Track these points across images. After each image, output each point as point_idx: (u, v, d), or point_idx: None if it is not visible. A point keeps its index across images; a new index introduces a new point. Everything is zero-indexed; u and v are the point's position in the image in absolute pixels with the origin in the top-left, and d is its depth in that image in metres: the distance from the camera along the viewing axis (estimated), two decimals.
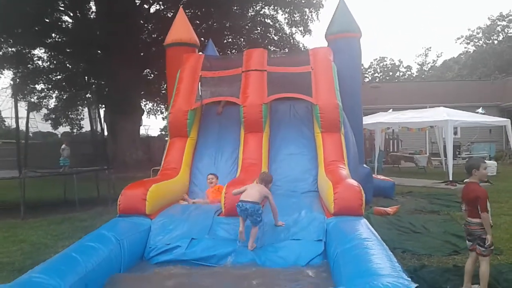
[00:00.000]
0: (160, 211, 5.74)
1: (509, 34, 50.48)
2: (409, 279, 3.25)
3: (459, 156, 20.50)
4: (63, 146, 11.74)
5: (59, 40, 21.63)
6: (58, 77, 23.25)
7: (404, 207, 9.51)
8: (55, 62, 22.73)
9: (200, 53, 10.81)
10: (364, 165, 9.94)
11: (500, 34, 51.84)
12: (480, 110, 20.09)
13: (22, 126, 11.20)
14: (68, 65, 22.79)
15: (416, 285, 3.00)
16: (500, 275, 4.98)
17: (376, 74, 64.53)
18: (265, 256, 4.77)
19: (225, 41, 23.16)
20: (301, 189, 7.21)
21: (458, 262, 5.60)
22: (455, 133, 18.21)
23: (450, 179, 13.68)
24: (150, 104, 29.78)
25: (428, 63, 65.87)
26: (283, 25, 23.77)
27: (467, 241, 4.79)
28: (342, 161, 7.16)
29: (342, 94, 8.04)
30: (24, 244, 6.73)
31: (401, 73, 66.32)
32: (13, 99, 19.60)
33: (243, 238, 4.91)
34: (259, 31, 23.68)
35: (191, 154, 7.75)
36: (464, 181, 4.85)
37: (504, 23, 51.13)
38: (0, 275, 5.21)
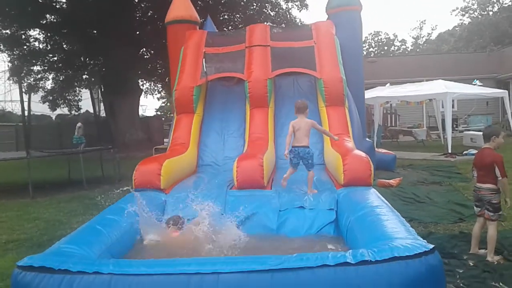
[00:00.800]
0: (173, 186, 5.86)
1: (504, 5, 50.25)
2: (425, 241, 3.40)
3: (456, 129, 20.71)
4: (79, 124, 11.85)
5: (54, 20, 21.40)
6: (55, 58, 23.08)
7: (406, 179, 9.69)
8: (51, 43, 22.55)
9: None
10: (367, 139, 10.07)
11: (496, 5, 51.56)
12: (477, 82, 20.17)
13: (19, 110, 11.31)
14: (64, 46, 22.59)
15: (433, 245, 3.14)
16: (506, 240, 5.17)
17: (371, 49, 64.31)
18: (279, 222, 4.93)
19: (221, 17, 22.97)
20: None
21: (463, 229, 5.78)
22: (452, 106, 18.34)
23: (449, 151, 13.88)
24: (147, 84, 29.68)
25: (423, 37, 65.74)
26: (279, 0, 23.59)
27: (475, 207, 4.94)
28: (347, 134, 7.28)
29: (345, 68, 8.10)
30: (38, 221, 6.87)
31: (396, 47, 66.16)
32: (11, 82, 19.55)
33: (284, 184, 5.63)
34: (254, 7, 23.43)
35: (198, 130, 7.83)
36: (483, 146, 4.91)
37: None
38: (19, 250, 5.35)
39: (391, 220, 3.95)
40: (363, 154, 5.76)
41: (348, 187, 5.33)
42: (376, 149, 11.38)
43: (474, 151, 13.19)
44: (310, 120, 5.86)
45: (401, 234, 3.53)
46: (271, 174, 6.37)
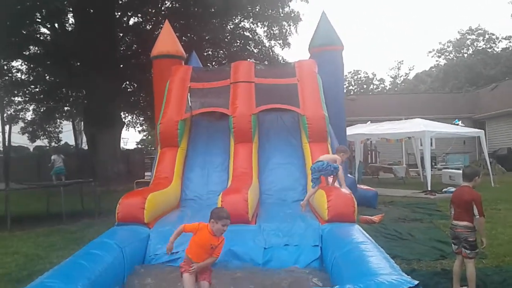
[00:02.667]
0: (156, 220, 5.81)
1: (478, 48, 52.22)
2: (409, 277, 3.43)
3: (435, 167, 21.05)
4: (54, 156, 11.66)
5: (38, 52, 21.42)
6: (36, 89, 22.98)
7: (388, 216, 9.76)
8: (34, 74, 22.48)
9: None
10: (349, 175, 10.18)
11: (470, 47, 53.63)
12: (459, 122, 20.65)
13: None
14: (47, 77, 22.54)
15: (417, 281, 3.18)
16: (487, 278, 5.23)
17: (351, 87, 65.69)
18: (264, 260, 4.92)
19: (205, 53, 23.31)
20: (291, 197, 7.38)
21: (445, 266, 5.83)
22: (431, 144, 18.71)
23: (429, 188, 14.08)
24: (130, 117, 29.63)
25: (401, 76, 67.69)
26: (262, 38, 24.09)
27: (452, 244, 5.00)
28: None
29: (327, 106, 8.26)
30: (17, 256, 6.67)
31: (374, 86, 67.77)
32: None
33: (303, 205, 6.34)
34: (238, 43, 23.90)
35: (182, 163, 7.83)
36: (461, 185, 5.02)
37: (474, 36, 53.00)
38: None
39: (376, 256, 3.99)
40: (347, 191, 5.85)
41: (332, 223, 5.37)
42: (358, 185, 11.48)
43: (453, 189, 13.41)
44: (340, 159, 6.53)
45: (386, 270, 3.57)
46: (255, 209, 6.38)
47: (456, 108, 29.26)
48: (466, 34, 53.60)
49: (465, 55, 53.51)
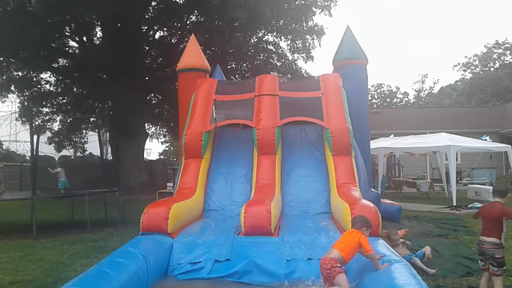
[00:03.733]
0: (180, 230, 5.85)
1: (505, 62, 51.36)
2: None
3: (460, 182, 20.68)
4: (59, 169, 11.74)
5: (66, 64, 21.96)
6: (64, 100, 23.52)
7: (412, 231, 9.59)
8: (62, 86, 23.04)
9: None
10: (372, 189, 10.08)
11: (497, 61, 52.76)
12: (487, 138, 20.25)
13: (24, 150, 11.35)
14: (74, 89, 23.06)
15: None
16: None
17: (374, 100, 65.19)
18: (287, 271, 4.90)
19: (229, 66, 23.52)
20: (313, 210, 7.33)
21: (472, 283, 5.69)
22: (456, 159, 18.41)
23: (454, 204, 13.82)
24: (153, 128, 30.00)
25: (425, 90, 66.81)
26: (285, 52, 24.15)
27: (479, 261, 4.91)
28: (354, 183, 7.31)
29: (351, 119, 8.23)
30: (42, 263, 6.80)
31: (398, 100, 67.08)
32: (19, 123, 19.82)
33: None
34: (262, 57, 24.03)
35: (206, 174, 7.89)
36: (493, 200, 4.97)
37: (500, 50, 52.12)
38: None
39: (402, 272, 3.94)
40: (371, 204, 5.79)
41: None
42: (382, 200, 11.35)
43: (479, 205, 13.16)
44: None
45: (412, 286, 3.52)
46: (278, 221, 6.37)
47: (483, 123, 28.74)
48: (493, 48, 52.78)
49: (492, 69, 52.67)
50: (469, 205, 13.50)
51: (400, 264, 4.23)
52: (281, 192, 7.51)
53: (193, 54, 10.09)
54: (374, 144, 17.22)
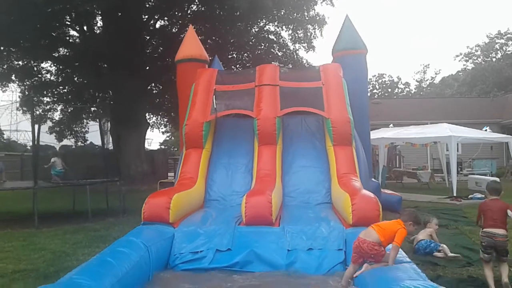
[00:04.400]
0: (181, 220, 5.88)
1: (507, 52, 51.18)
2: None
3: (461, 172, 20.70)
4: (54, 159, 11.68)
5: (67, 54, 21.91)
6: (65, 90, 23.51)
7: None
8: (62, 75, 23.00)
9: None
10: (373, 179, 10.10)
11: (499, 52, 52.60)
12: (487, 128, 20.25)
13: (25, 139, 11.33)
14: (75, 78, 23.03)
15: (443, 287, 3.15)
16: None
17: (375, 91, 64.96)
18: (288, 262, 4.93)
19: (230, 56, 23.46)
20: (314, 200, 7.36)
21: (472, 273, 5.71)
22: (457, 150, 18.43)
23: (455, 194, 13.85)
24: (154, 118, 30.00)
25: (427, 80, 66.51)
26: (287, 41, 24.06)
27: (486, 254, 4.94)
28: (354, 173, 7.32)
29: (351, 109, 8.22)
30: (44, 252, 6.84)
31: (399, 90, 66.84)
32: (20, 112, 19.81)
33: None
34: (263, 47, 23.91)
35: (207, 164, 7.90)
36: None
37: (502, 41, 51.93)
38: (26, 281, 5.32)
39: (401, 262, 3.97)
40: (371, 194, 5.81)
41: (357, 227, 5.34)
42: (382, 190, 11.38)
43: (480, 195, 13.19)
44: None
45: (411, 276, 3.54)
46: (279, 211, 6.40)
47: (484, 113, 28.70)
48: (495, 38, 52.56)
49: (494, 59, 52.47)
50: (469, 196, 13.53)
51: (399, 254, 4.27)
52: (282, 182, 7.53)
53: (191, 45, 10.06)
54: (375, 134, 17.22)
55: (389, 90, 65.98)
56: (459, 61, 64.93)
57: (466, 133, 16.00)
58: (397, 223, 4.54)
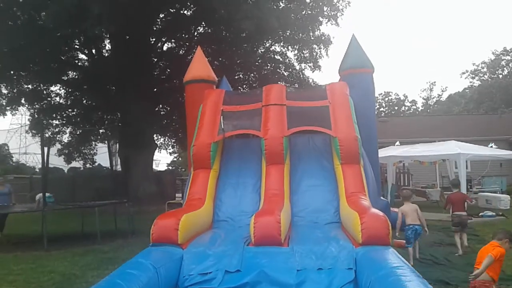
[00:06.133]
0: (190, 241, 5.86)
1: None
2: None
3: (470, 190, 20.51)
4: (38, 196, 11.60)
5: (76, 77, 22.23)
6: (73, 112, 23.78)
7: (423, 240, 9.49)
8: (71, 98, 23.30)
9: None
10: (382, 198, 10.03)
11: (505, 68, 52.57)
12: (492, 145, 20.14)
13: (33, 162, 11.41)
14: (83, 101, 23.31)
15: None
16: None
17: (382, 109, 64.97)
18: (297, 281, 4.89)
19: (236, 77, 23.64)
20: (323, 220, 7.29)
21: None
22: (466, 167, 18.31)
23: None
24: (162, 139, 30.16)
25: (433, 98, 66.47)
26: (293, 61, 24.26)
27: (455, 227, 5.93)
28: (363, 192, 7.28)
29: (359, 128, 8.22)
30: (53, 275, 6.85)
31: (406, 108, 66.82)
32: (29, 135, 19.99)
33: None
34: (269, 67, 24.11)
35: (215, 185, 7.89)
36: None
37: (509, 57, 52.00)
38: None
39: (413, 281, 3.93)
40: (380, 213, 5.76)
41: (366, 246, 5.30)
42: (391, 208, 11.28)
43: (490, 213, 13.04)
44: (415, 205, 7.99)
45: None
46: (288, 231, 6.36)
47: (492, 130, 28.52)
48: (501, 55, 52.63)
49: (500, 76, 52.42)
50: (480, 213, 13.38)
51: (410, 272, 4.22)
52: (290, 202, 7.50)
53: (199, 66, 10.15)
54: (382, 152, 17.17)
55: (396, 108, 65.99)
56: (466, 78, 64.90)
57: (475, 151, 15.91)
58: (490, 245, 4.77)
